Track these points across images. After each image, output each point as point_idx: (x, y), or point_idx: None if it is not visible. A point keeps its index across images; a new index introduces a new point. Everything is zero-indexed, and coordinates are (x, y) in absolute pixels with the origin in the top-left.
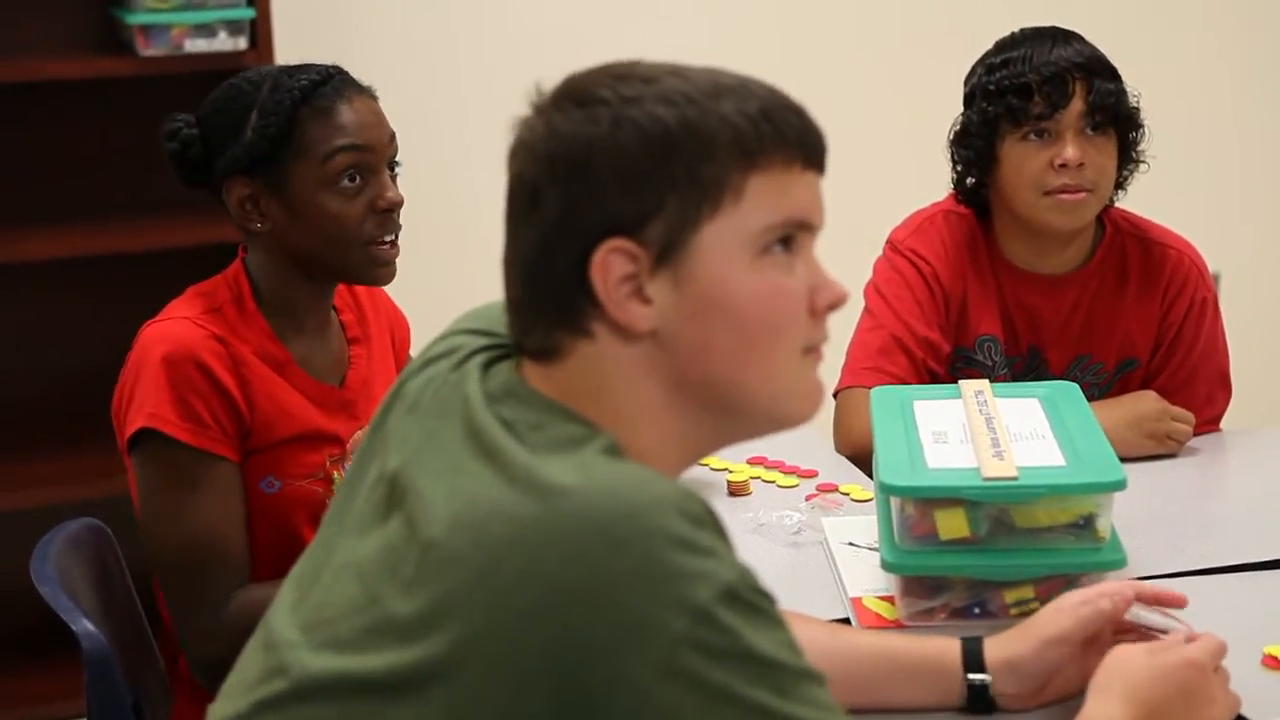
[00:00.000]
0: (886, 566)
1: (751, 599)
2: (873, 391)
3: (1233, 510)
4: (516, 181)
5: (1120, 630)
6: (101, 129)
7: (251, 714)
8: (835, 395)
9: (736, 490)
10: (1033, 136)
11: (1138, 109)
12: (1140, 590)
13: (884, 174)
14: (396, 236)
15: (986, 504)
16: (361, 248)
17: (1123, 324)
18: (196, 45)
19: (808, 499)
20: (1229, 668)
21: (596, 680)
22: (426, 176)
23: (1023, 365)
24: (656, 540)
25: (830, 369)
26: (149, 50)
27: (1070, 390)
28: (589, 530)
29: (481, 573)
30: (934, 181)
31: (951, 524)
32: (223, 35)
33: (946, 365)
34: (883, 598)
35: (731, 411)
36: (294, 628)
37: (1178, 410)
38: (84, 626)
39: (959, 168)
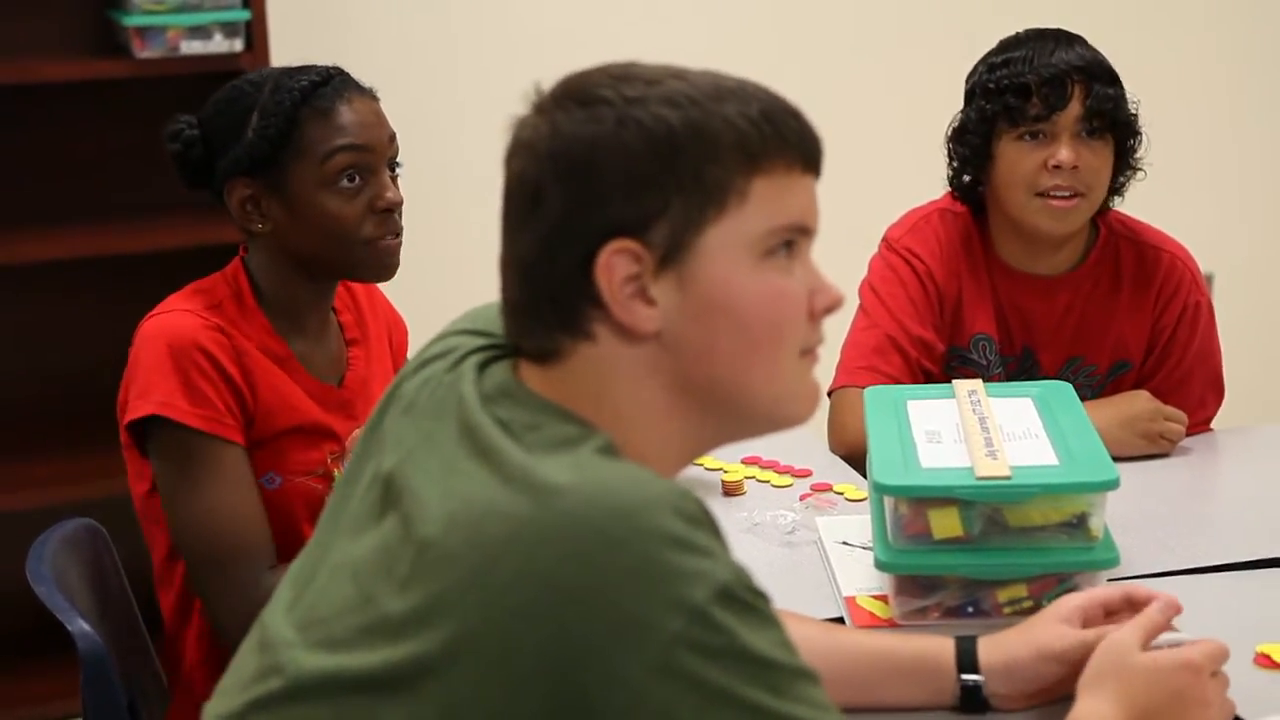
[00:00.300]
0: (880, 566)
1: (747, 598)
2: (866, 391)
3: (1225, 509)
4: (516, 181)
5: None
6: (98, 131)
7: (246, 713)
8: (829, 394)
9: (731, 490)
10: (1028, 137)
11: (1136, 116)
12: (1132, 593)
13: (880, 173)
14: (399, 233)
15: (980, 503)
16: (362, 247)
17: (1115, 327)
18: (192, 47)
19: (802, 499)
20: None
21: (592, 679)
22: (422, 177)
23: (1016, 365)
24: (652, 539)
25: (824, 368)
26: (145, 52)
27: (1063, 390)
28: (584, 529)
29: (476, 571)
30: (930, 180)
31: (945, 523)
32: (218, 37)
33: (941, 364)
34: (876, 597)
35: (732, 412)
36: (289, 627)
37: (1171, 410)
38: (79, 626)
39: (955, 164)
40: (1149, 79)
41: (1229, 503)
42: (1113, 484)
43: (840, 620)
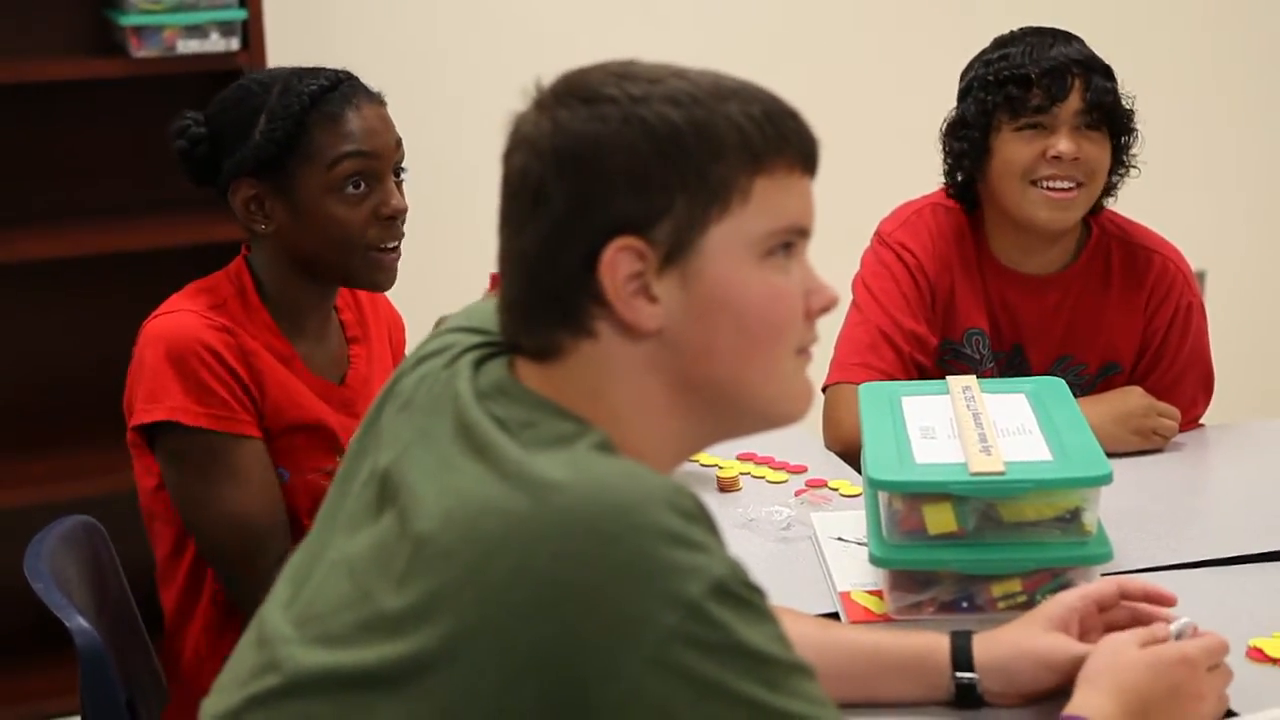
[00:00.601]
0: (875, 561)
1: (742, 593)
2: (861, 388)
3: (1218, 504)
4: (518, 177)
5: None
6: (95, 130)
7: (244, 709)
8: (824, 390)
9: (726, 486)
10: (1028, 129)
11: (1132, 112)
12: (1128, 587)
13: (874, 168)
14: (399, 243)
15: (974, 499)
16: (363, 253)
17: (1105, 328)
18: (189, 46)
19: (797, 494)
20: None
21: (588, 674)
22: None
23: (1006, 362)
24: (648, 535)
25: (818, 364)
26: (142, 51)
27: (1057, 386)
28: (580, 525)
29: (473, 568)
30: (924, 175)
31: (939, 519)
32: (215, 36)
33: (934, 358)
34: (871, 592)
35: (729, 410)
36: (287, 623)
37: (1163, 406)
38: (77, 623)
39: (950, 160)
40: (1143, 77)
41: (1222, 498)
42: (1106, 479)
43: (835, 615)
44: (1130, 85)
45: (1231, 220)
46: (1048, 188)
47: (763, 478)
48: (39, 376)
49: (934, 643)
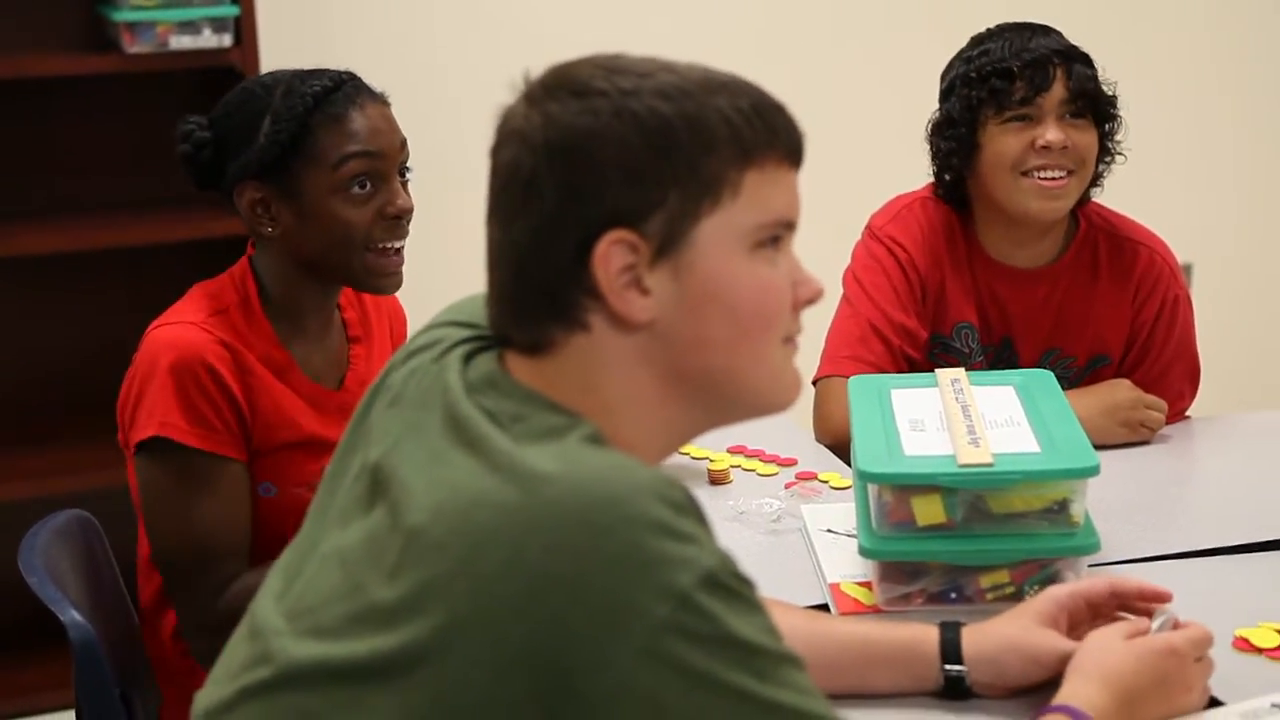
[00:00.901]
0: (864, 552)
1: (732, 584)
2: (850, 380)
3: (1205, 496)
4: (508, 171)
5: (1097, 613)
6: (88, 125)
7: (237, 701)
8: (814, 384)
9: (717, 478)
10: (1014, 121)
11: (1115, 98)
12: (1120, 586)
13: (865, 162)
14: (402, 245)
15: (962, 490)
16: (364, 253)
17: (1093, 320)
18: (182, 42)
19: (787, 487)
20: None
21: (578, 665)
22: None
23: (995, 355)
24: (638, 526)
25: (808, 358)
26: (135, 47)
27: (1045, 378)
28: (571, 517)
29: (464, 560)
30: (915, 169)
31: (928, 510)
32: (207, 32)
33: (924, 352)
34: (861, 583)
35: (719, 400)
36: (278, 616)
37: (1151, 399)
38: (71, 616)
39: (938, 160)
40: (1131, 73)
41: (1208, 490)
42: (1093, 471)
43: (825, 607)
44: (1119, 81)
45: (1218, 214)
46: (1039, 178)
47: (753, 470)
48: (32, 372)
49: (923, 635)
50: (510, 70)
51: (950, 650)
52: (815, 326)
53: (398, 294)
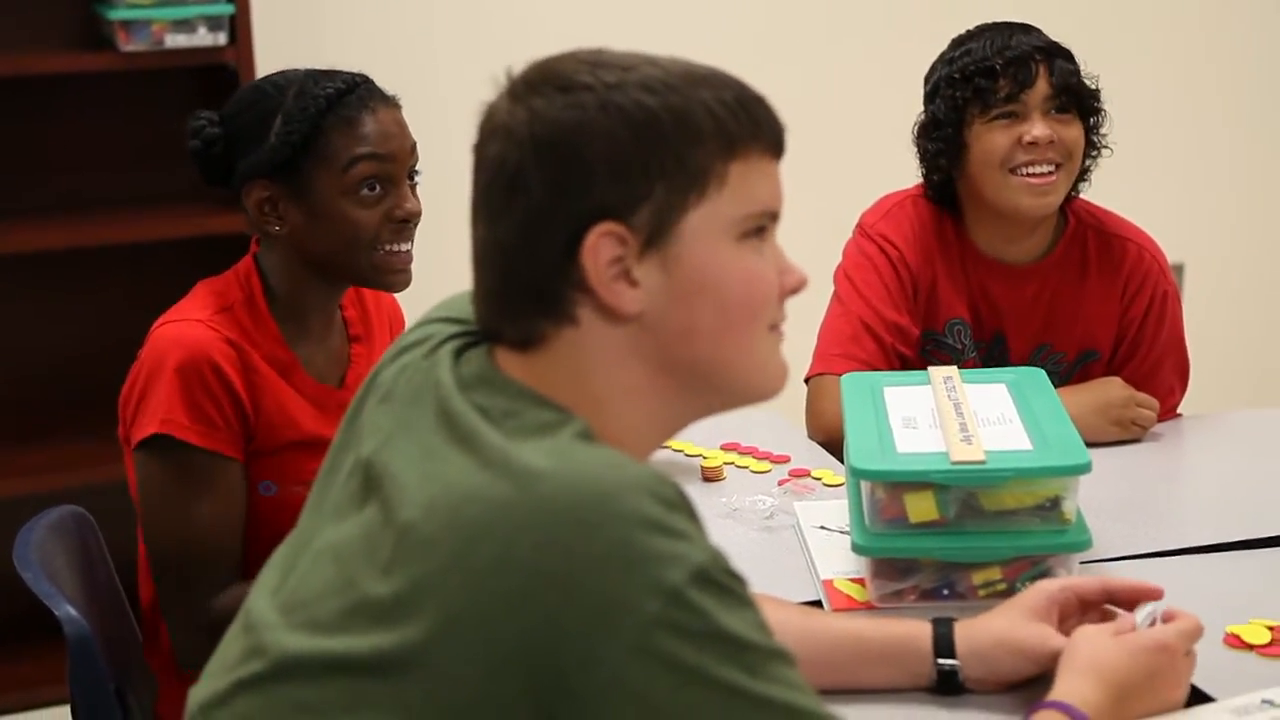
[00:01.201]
0: (857, 549)
1: (723, 580)
2: (843, 378)
3: (1196, 493)
4: (494, 166)
5: (1087, 608)
6: (84, 124)
7: (231, 693)
8: (806, 382)
9: (710, 475)
10: (1000, 119)
11: (1098, 91)
12: (1113, 585)
13: (856, 161)
14: (411, 245)
15: (955, 487)
16: (372, 253)
17: (1083, 316)
18: (177, 40)
19: (780, 484)
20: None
21: (570, 661)
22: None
23: (986, 351)
24: (629, 523)
25: (800, 355)
26: (130, 45)
27: (1037, 376)
28: (563, 514)
29: (457, 556)
30: (906, 167)
31: (921, 507)
32: (202, 30)
33: (916, 349)
34: (854, 580)
35: (709, 389)
36: (273, 610)
37: (1143, 397)
38: (66, 611)
39: (926, 162)
40: (1124, 73)
41: (1200, 487)
42: (1085, 468)
43: (818, 603)
44: (1108, 80)
45: (1210, 214)
46: (1027, 174)
47: (746, 467)
48: (26, 369)
49: (916, 630)
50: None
51: (943, 645)
52: (806, 325)
53: (399, 294)
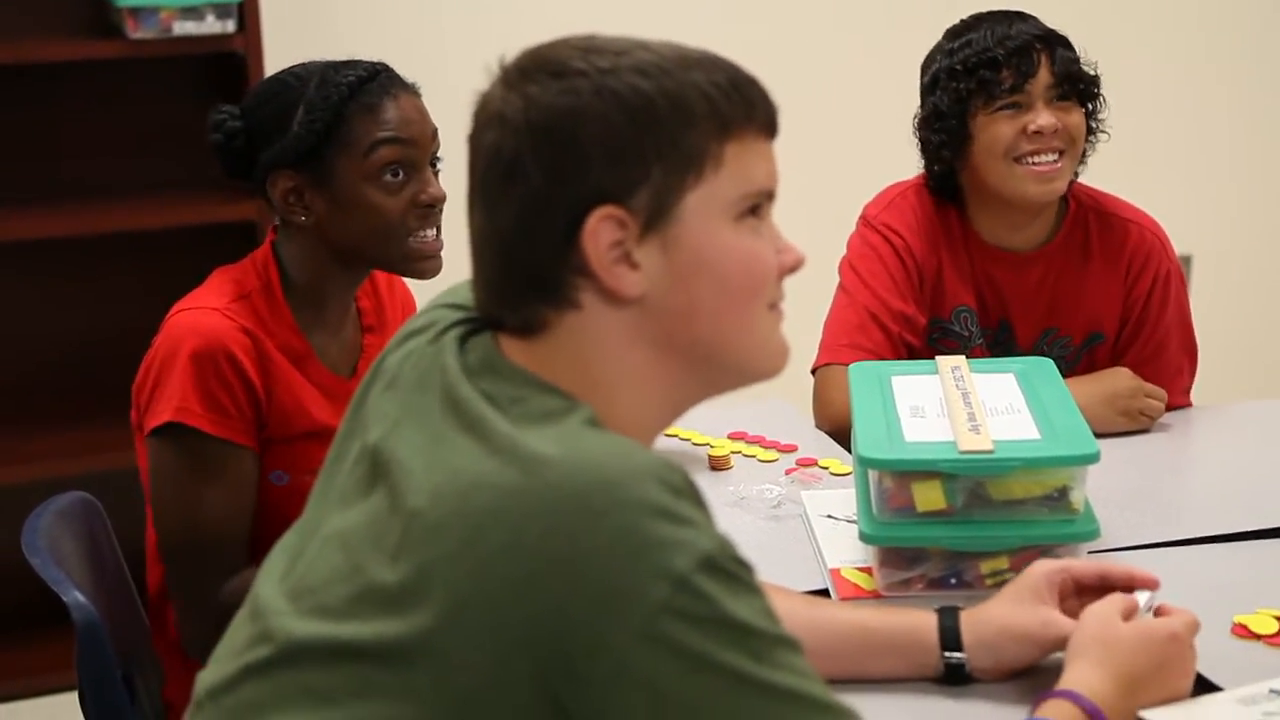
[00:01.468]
0: (865, 538)
1: (730, 567)
2: (851, 368)
3: (1204, 483)
4: (490, 154)
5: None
6: (92, 111)
7: (239, 679)
8: (813, 372)
9: (718, 464)
10: (1005, 109)
11: (1097, 77)
12: (1109, 571)
13: (860, 153)
14: (439, 230)
15: (962, 477)
16: (403, 241)
17: (1087, 299)
18: (185, 28)
19: (787, 473)
20: (1202, 637)
21: (577, 648)
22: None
23: (992, 338)
24: (636, 510)
25: (805, 346)
26: (138, 33)
27: (1045, 366)
28: (570, 500)
29: (465, 542)
30: (912, 158)
31: (928, 496)
32: (211, 18)
33: (923, 338)
34: (861, 569)
35: (712, 369)
36: (280, 596)
37: (1151, 387)
38: (74, 597)
39: (928, 153)
40: (1130, 65)
41: (1207, 477)
42: (1093, 458)
43: (825, 592)
44: (1118, 74)
45: (1217, 206)
46: (1032, 163)
47: (753, 456)
48: (36, 356)
49: (922, 621)
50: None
51: (950, 638)
52: (810, 317)
53: (412, 285)
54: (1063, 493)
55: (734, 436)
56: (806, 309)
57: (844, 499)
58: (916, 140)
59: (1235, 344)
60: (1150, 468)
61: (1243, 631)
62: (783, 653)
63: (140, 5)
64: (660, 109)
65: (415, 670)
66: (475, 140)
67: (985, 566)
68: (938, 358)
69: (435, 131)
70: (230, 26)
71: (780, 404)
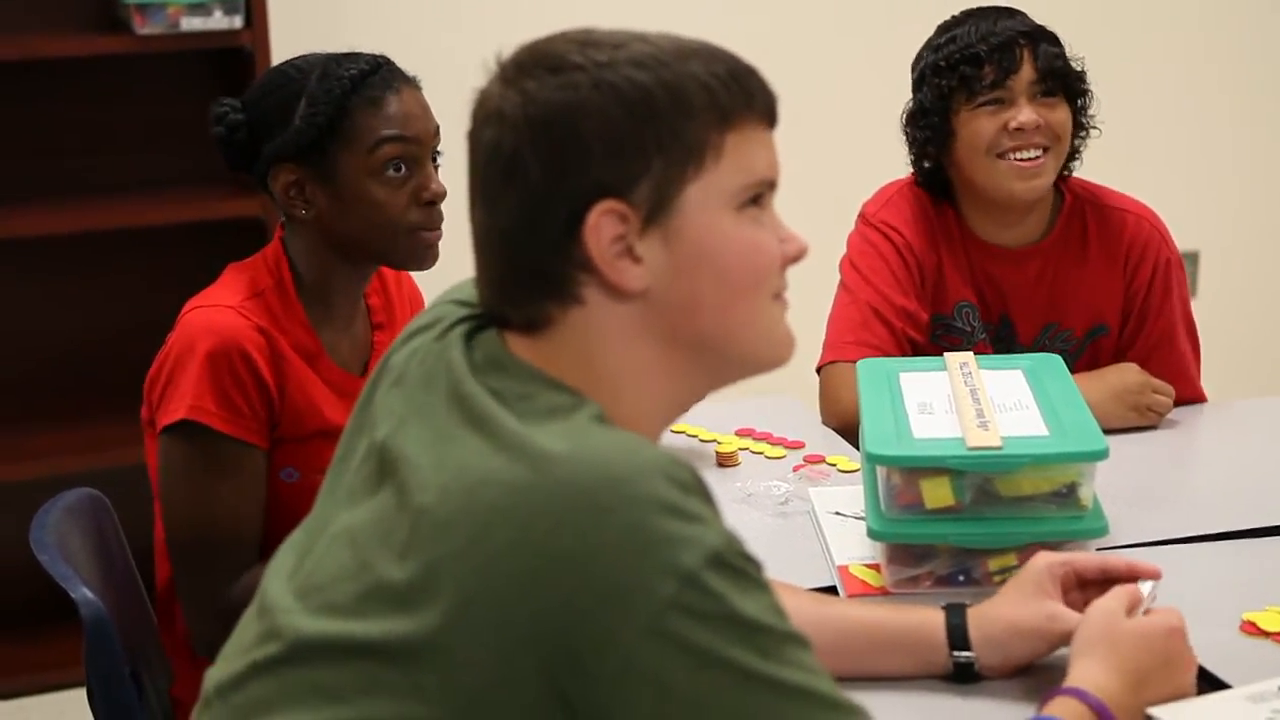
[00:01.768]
0: (873, 535)
1: (738, 564)
2: (859, 364)
3: (1212, 480)
4: (490, 152)
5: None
6: (99, 106)
7: (247, 676)
8: (818, 371)
9: (725, 461)
10: (987, 105)
11: (1084, 73)
12: (1110, 565)
13: (858, 152)
14: (440, 226)
15: (971, 473)
16: (407, 235)
17: (1087, 292)
18: (192, 23)
19: (795, 470)
20: (1210, 634)
21: (585, 644)
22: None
23: (994, 334)
24: (645, 506)
25: (808, 345)
26: (146, 28)
27: (1053, 362)
28: (578, 497)
29: (472, 539)
30: (902, 156)
31: (936, 493)
32: (218, 14)
33: (926, 333)
34: (869, 565)
35: (717, 361)
36: (288, 594)
37: (1159, 383)
38: (82, 593)
39: (915, 149)
40: (1136, 61)
41: (1216, 474)
42: (1102, 454)
43: (833, 589)
44: (1125, 70)
45: (1224, 202)
46: (1015, 159)
47: (761, 453)
48: (45, 352)
49: (929, 619)
50: None
51: (958, 636)
52: (812, 317)
53: (420, 283)
54: (1071, 489)
55: (741, 433)
56: (809, 306)
57: (852, 495)
58: (904, 136)
59: (1244, 340)
60: (1159, 464)
61: (1251, 629)
62: (791, 649)
63: (147, 1)
64: (659, 101)
65: (423, 668)
66: (474, 137)
67: (993, 563)
68: (946, 354)
69: (437, 128)
70: (237, 22)
71: (787, 400)
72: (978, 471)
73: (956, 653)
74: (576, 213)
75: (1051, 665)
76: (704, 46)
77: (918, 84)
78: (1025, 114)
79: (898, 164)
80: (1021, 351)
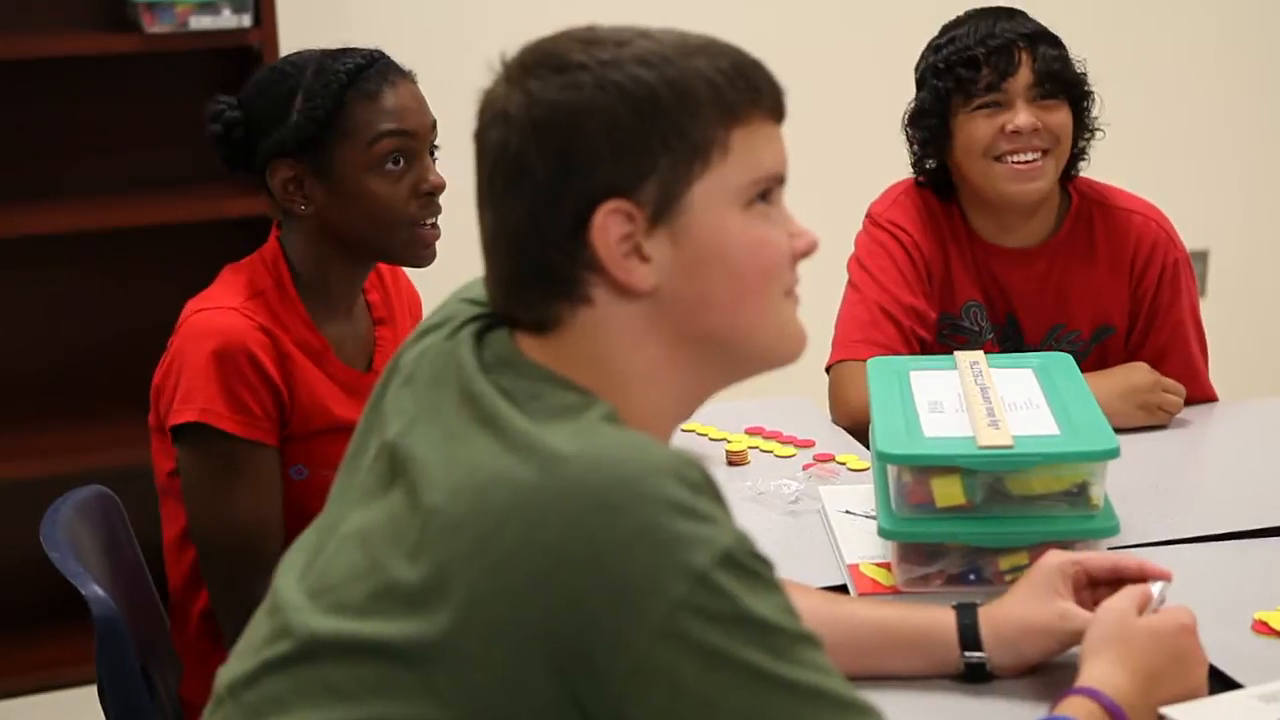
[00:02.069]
0: (883, 533)
1: (749, 564)
2: (869, 363)
3: (1222, 480)
4: (497, 152)
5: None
6: (108, 105)
7: (259, 674)
8: (827, 370)
9: (735, 460)
10: (984, 108)
11: (1085, 74)
12: (1121, 564)
13: (866, 152)
14: (438, 218)
15: (982, 472)
16: (407, 228)
17: (1094, 292)
18: (201, 22)
19: (805, 468)
20: (1222, 634)
21: (596, 645)
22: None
23: (1001, 333)
24: (655, 506)
25: (818, 347)
26: (155, 27)
27: (1064, 361)
28: (589, 496)
29: (483, 539)
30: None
31: (947, 492)
32: (227, 12)
33: (934, 332)
34: (879, 564)
35: (728, 358)
36: (300, 593)
37: (1169, 382)
38: (93, 591)
39: (916, 149)
40: (1143, 58)
41: (1227, 473)
42: (1113, 453)
43: (843, 588)
44: (1135, 68)
45: (1234, 200)
46: (1012, 162)
47: (771, 452)
48: (54, 350)
49: (940, 619)
50: None
51: (969, 636)
52: (820, 317)
53: (423, 282)
54: (1082, 488)
55: (751, 432)
56: (818, 305)
57: (862, 494)
58: (905, 137)
59: (1255, 339)
60: (1170, 463)
61: (1263, 628)
62: (803, 649)
63: (157, 0)
64: (664, 98)
65: (434, 668)
66: (481, 138)
67: (1004, 562)
68: (956, 353)
69: (434, 122)
70: (246, 21)
71: (797, 399)
72: (989, 470)
73: (968, 652)
74: (583, 213)
75: (1064, 665)
76: (709, 41)
77: (919, 84)
78: (1022, 117)
79: (905, 163)
80: (1028, 351)
